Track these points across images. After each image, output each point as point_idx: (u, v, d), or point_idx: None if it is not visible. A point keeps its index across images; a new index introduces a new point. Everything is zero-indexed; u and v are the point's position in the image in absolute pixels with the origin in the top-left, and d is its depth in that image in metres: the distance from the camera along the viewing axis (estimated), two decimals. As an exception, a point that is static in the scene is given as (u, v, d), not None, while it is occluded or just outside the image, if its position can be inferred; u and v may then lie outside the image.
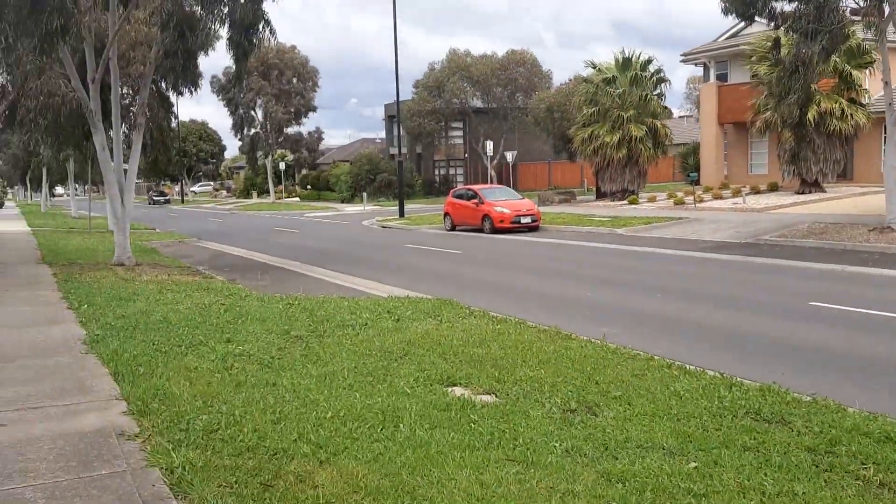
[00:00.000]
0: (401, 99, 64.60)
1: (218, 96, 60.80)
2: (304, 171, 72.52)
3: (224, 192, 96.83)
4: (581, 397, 6.14)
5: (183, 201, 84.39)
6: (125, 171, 16.48)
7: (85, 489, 3.95)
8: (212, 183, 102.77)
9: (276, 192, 67.43)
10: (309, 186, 69.48)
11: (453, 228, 28.80)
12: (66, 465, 4.32)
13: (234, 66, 17.10)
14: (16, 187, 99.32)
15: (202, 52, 16.09)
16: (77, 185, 52.86)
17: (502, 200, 27.46)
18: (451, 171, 64.09)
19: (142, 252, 19.77)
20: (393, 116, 69.33)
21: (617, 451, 4.96)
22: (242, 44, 16.37)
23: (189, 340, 8.04)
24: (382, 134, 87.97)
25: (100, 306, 10.31)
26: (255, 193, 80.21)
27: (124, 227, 16.07)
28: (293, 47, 61.63)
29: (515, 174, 60.81)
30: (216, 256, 21.69)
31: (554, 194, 42.26)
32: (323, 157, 71.68)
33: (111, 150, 15.91)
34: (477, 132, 58.18)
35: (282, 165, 59.89)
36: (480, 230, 27.05)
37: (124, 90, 18.93)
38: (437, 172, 64.91)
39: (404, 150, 69.04)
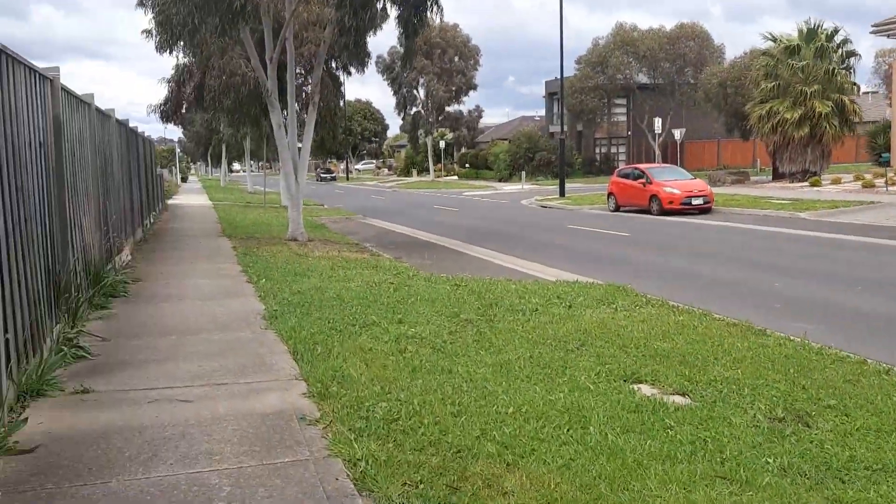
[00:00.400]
0: (566, 75, 63.67)
1: (382, 76, 62.26)
2: (462, 150, 73.02)
3: (386, 170, 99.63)
4: (788, 404, 5.46)
5: (348, 178, 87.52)
6: (299, 149, 16.95)
7: (269, 478, 3.83)
8: (374, 161, 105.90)
9: (435, 170, 68.35)
10: (467, 165, 69.91)
11: (617, 209, 27.84)
12: (250, 448, 4.24)
13: (401, 45, 17.12)
14: (198, 163, 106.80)
15: (371, 32, 16.17)
16: (252, 162, 55.84)
17: (672, 180, 26.18)
18: (613, 150, 62.33)
19: (312, 228, 20.38)
20: (553, 94, 68.38)
21: (842, 472, 4.31)
22: (412, 21, 16.34)
23: (362, 320, 7.98)
24: (541, 112, 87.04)
25: (276, 281, 10.55)
26: (414, 171, 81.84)
27: (298, 204, 16.56)
28: (455, 25, 61.89)
29: (682, 153, 58.25)
30: (381, 234, 22.05)
31: (725, 174, 39.96)
32: (481, 136, 71.75)
33: (286, 129, 16.39)
34: (641, 109, 56.12)
35: (441, 144, 60.50)
36: (647, 211, 25.96)
37: (297, 70, 19.41)
38: (597, 151, 63.33)
39: (565, 128, 68.03)
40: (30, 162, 5.82)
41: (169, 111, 16.37)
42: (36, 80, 6.27)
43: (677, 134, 42.70)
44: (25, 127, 5.74)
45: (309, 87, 21.68)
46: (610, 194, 28.54)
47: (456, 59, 61.10)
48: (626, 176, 28.29)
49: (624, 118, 61.70)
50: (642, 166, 28.48)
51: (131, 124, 16.61)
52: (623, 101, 59.96)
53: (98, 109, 10.47)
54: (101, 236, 10.01)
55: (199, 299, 9.29)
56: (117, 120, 13.29)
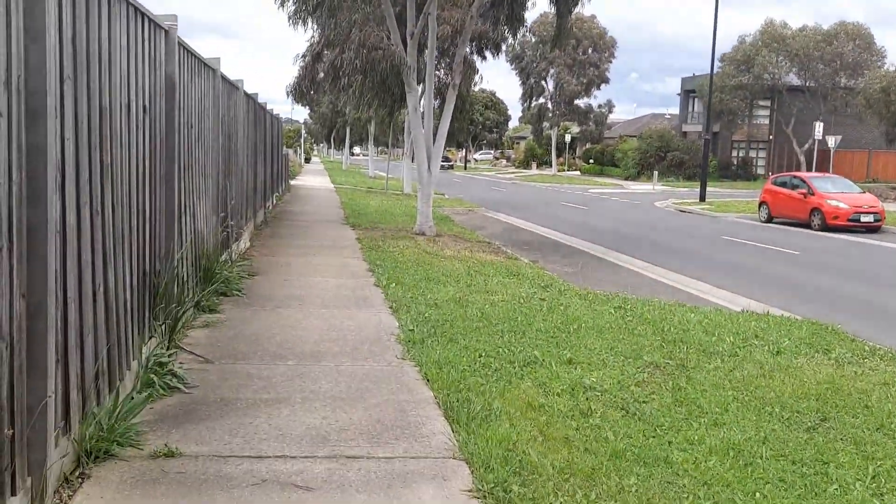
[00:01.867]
0: (702, 73, 59.89)
1: (511, 65, 60.42)
2: (586, 145, 70.33)
3: (504, 162, 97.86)
4: None
5: (465, 168, 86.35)
6: (433, 135, 15.48)
7: None
8: (492, 151, 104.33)
9: (557, 164, 66.10)
10: (591, 160, 67.22)
11: (770, 220, 25.10)
12: None
13: (532, 36, 15.31)
14: (321, 144, 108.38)
15: (525, 9, 14.48)
16: (371, 147, 55.43)
17: (837, 193, 23.24)
18: (752, 154, 58.26)
19: (437, 220, 18.92)
20: (690, 91, 64.69)
21: None
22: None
23: (520, 353, 6.33)
24: (673, 109, 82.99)
25: (408, 287, 9.06)
26: (534, 164, 79.70)
27: (428, 195, 15.11)
28: (592, 17, 59.19)
29: (827, 161, 53.70)
30: (509, 230, 20.39)
31: (886, 188, 36.05)
32: (608, 132, 68.81)
33: (422, 113, 14.94)
34: (787, 112, 51.98)
35: (567, 137, 58.20)
36: (806, 225, 23.16)
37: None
38: (734, 154, 59.37)
39: (699, 129, 64.23)
40: (125, 129, 4.45)
41: (303, 89, 15.23)
42: (144, 25, 4.91)
43: (831, 141, 38.85)
44: (122, 82, 4.35)
45: (443, 71, 20.25)
46: (762, 203, 25.79)
47: (590, 50, 58.47)
48: (782, 184, 25.45)
49: (766, 121, 57.52)
50: (804, 175, 25.56)
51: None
52: (766, 104, 55.83)
53: (224, 77, 9.24)
54: (218, 222, 8.78)
55: (322, 306, 7.88)
56: (246, 93, 12.15)
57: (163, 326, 5.34)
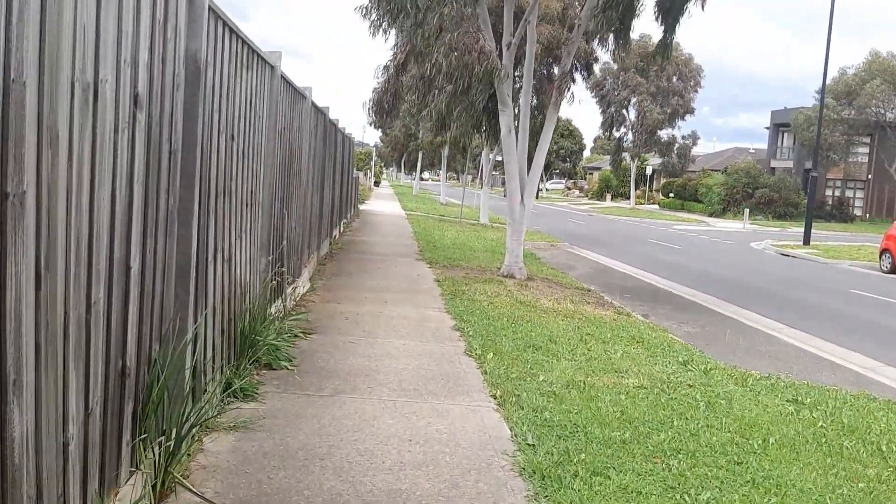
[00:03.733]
0: (794, 107, 56.37)
1: (591, 93, 58.01)
2: (664, 178, 67.20)
3: (576, 192, 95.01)
4: None
5: (537, 197, 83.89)
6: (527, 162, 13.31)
7: None
8: (563, 181, 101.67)
9: (635, 197, 63.24)
10: (671, 194, 64.06)
11: (894, 271, 22.06)
12: None
13: (659, 40, 13.06)
14: (391, 168, 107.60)
15: (636, 14, 12.24)
16: (444, 172, 53.65)
17: (984, 243, 20.14)
18: (848, 194, 54.34)
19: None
20: (780, 125, 61.09)
21: None
22: (675, 7, 12.33)
23: (695, 492, 4.06)
24: (758, 144, 79.15)
25: (509, 358, 6.88)
26: (608, 196, 76.76)
27: (520, 231, 12.90)
28: (677, 44, 56.43)
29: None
30: (601, 272, 18.02)
31: None
32: (692, 165, 65.58)
33: (517, 134, 12.80)
34: (891, 151, 48.12)
35: (649, 170, 55.38)
36: (944, 280, 20.14)
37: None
38: (828, 193, 55.49)
39: (789, 165, 60.55)
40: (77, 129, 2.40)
41: (384, 105, 13.25)
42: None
43: (950, 183, 35.22)
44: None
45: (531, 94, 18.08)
46: (885, 251, 22.77)
47: (674, 78, 55.68)
48: (910, 230, 22.42)
49: (865, 159, 53.61)
50: (939, 221, 22.45)
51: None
52: (866, 140, 51.98)
53: (286, 79, 7.28)
54: (269, 265, 6.76)
55: (399, 390, 5.74)
56: (314, 104, 10.23)
57: (155, 453, 3.26)
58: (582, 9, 12.59)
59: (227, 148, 4.94)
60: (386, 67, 13.23)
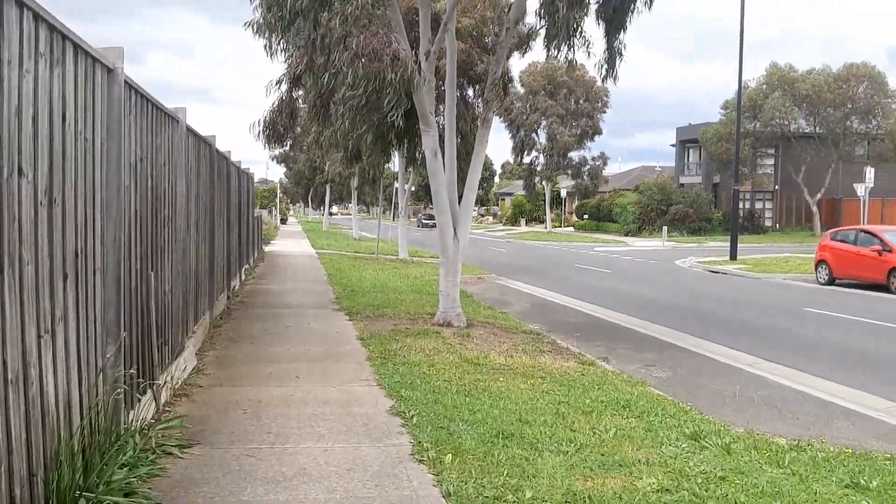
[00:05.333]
0: (699, 122, 56.96)
1: (500, 118, 57.10)
2: (576, 201, 66.97)
3: (490, 219, 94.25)
4: None
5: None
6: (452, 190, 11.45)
7: None
8: (476, 208, 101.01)
9: (550, 220, 62.63)
10: (585, 216, 63.76)
11: (832, 282, 21.27)
12: None
13: (604, 48, 11.50)
14: (298, 204, 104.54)
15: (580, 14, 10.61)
16: (346, 205, 51.50)
17: (921, 250, 19.47)
18: (758, 205, 54.99)
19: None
20: (686, 141, 61.67)
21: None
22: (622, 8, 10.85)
23: None
24: (663, 162, 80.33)
25: (478, 464, 4.93)
26: (523, 221, 76.06)
27: (455, 270, 10.98)
28: (582, 66, 56.31)
29: (839, 212, 50.48)
30: (540, 307, 16.31)
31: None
32: (604, 185, 65.50)
33: (443, 158, 10.93)
34: (797, 160, 48.81)
35: (563, 192, 54.64)
36: (884, 288, 19.33)
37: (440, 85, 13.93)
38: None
39: (698, 181, 61.09)
40: None
41: (279, 127, 11.13)
42: None
43: (860, 189, 35.46)
44: None
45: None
46: (820, 262, 21.99)
47: (582, 100, 55.38)
48: (845, 240, 21.71)
49: (771, 170, 54.46)
50: (874, 228, 21.81)
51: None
52: (771, 152, 52.79)
53: (134, 87, 5.16)
54: (120, 355, 4.61)
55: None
56: (192, 130, 8.11)
57: None
58: (509, 10, 10.89)
59: (6, 190, 2.85)
60: (279, 82, 11.16)
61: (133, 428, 4.71)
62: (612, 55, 11.13)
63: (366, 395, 6.73)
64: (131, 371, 4.88)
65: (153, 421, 5.35)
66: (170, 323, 6.69)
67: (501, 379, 7.53)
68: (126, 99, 4.90)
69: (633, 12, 10.99)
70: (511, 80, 22.88)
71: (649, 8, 10.70)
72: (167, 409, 5.93)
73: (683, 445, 5.63)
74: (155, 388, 5.66)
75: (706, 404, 7.76)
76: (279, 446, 5.17)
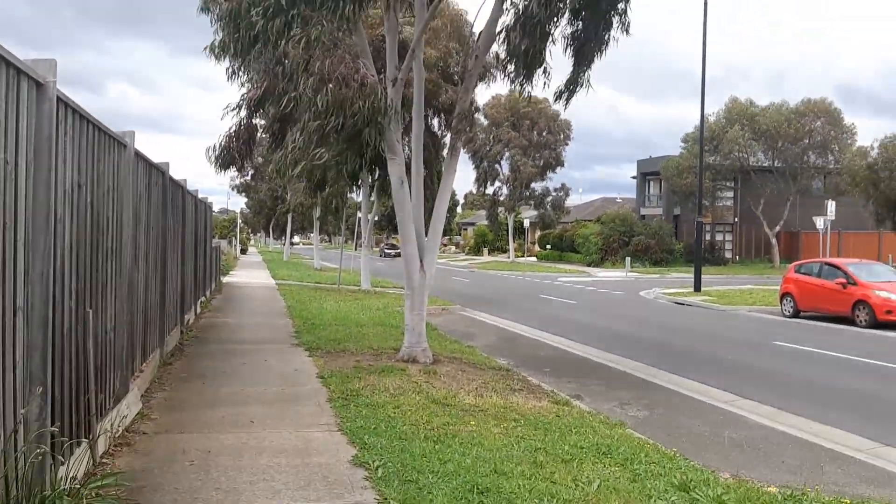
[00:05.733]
0: (659, 155, 57.58)
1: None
2: (539, 231, 67.07)
3: (452, 248, 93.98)
4: None
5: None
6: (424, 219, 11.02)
7: None
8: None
9: (514, 250, 62.53)
10: (548, 246, 63.82)
11: (796, 315, 21.24)
12: None
13: (569, 74, 11.25)
14: (259, 234, 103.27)
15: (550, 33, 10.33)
16: (307, 235, 50.77)
17: (884, 283, 19.50)
18: (718, 237, 55.53)
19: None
20: (647, 174, 62.25)
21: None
22: (592, 37, 10.64)
23: None
24: (624, 194, 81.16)
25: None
26: (485, 251, 75.94)
27: (422, 303, 10.51)
28: (545, 98, 56.62)
29: (797, 244, 51.22)
30: (507, 340, 15.90)
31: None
32: (566, 216, 65.73)
33: (410, 187, 10.51)
34: (756, 193, 49.50)
35: (526, 223, 54.62)
36: (849, 321, 19.29)
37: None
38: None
39: (658, 212, 61.59)
40: None
41: (233, 152, 10.57)
42: None
43: (819, 223, 35.88)
44: None
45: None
46: (785, 294, 21.95)
47: (545, 132, 55.64)
48: (809, 272, 21.72)
49: (731, 203, 55.13)
50: (839, 262, 21.84)
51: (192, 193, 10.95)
52: (730, 185, 53.50)
53: (68, 104, 4.64)
54: (46, 405, 4.04)
55: None
56: (142, 156, 7.58)
57: None
58: (478, 39, 10.58)
59: None
60: (238, 107, 10.65)
61: (62, 488, 4.13)
62: (574, 84, 10.90)
63: (326, 442, 6.19)
64: (58, 425, 4.31)
65: (86, 478, 4.77)
66: (111, 365, 6.11)
67: (472, 422, 7.05)
68: (61, 118, 4.39)
69: (603, 49, 10.78)
70: (477, 109, 22.62)
71: (617, 42, 10.49)
72: (105, 461, 5.34)
73: (673, 498, 5.20)
74: (91, 439, 5.07)
75: (687, 447, 7.37)
76: (228, 517, 4.62)
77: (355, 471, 5.41)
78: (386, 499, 4.77)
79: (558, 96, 10.82)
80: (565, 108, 11.49)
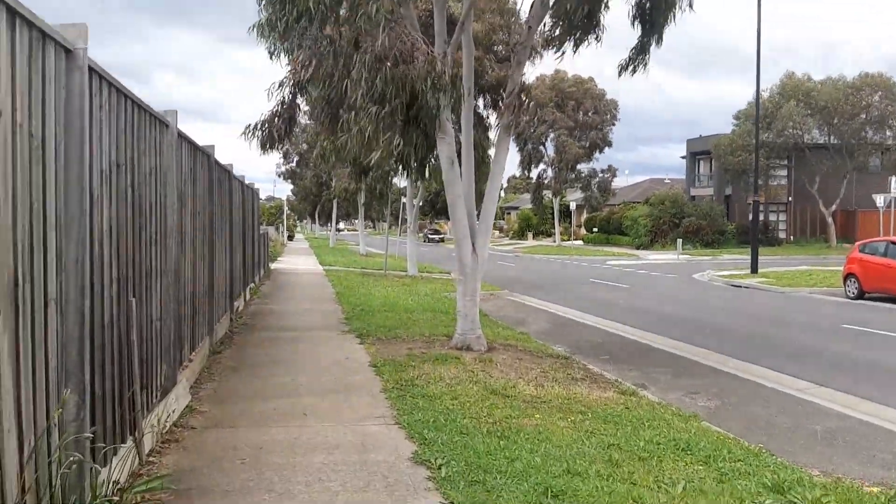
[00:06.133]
0: (709, 134, 56.06)
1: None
2: (585, 214, 66.05)
3: (496, 233, 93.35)
4: None
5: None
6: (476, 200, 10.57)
7: None
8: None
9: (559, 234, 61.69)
10: (594, 229, 62.80)
11: (861, 296, 20.29)
12: None
13: (635, 49, 10.62)
14: (305, 220, 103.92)
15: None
16: (362, 221, 50.60)
17: (958, 261, 18.48)
18: (772, 217, 53.94)
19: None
20: (697, 153, 60.71)
21: None
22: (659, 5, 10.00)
23: None
24: (672, 175, 79.52)
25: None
26: (530, 235, 75.07)
27: (474, 289, 10.07)
28: (591, 78, 55.57)
29: (854, 223, 49.45)
30: (561, 326, 15.38)
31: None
32: (613, 198, 64.60)
33: (460, 167, 10.05)
34: (811, 171, 47.85)
35: (572, 206, 53.68)
36: (924, 303, 18.36)
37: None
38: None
39: (709, 192, 60.05)
40: None
41: (273, 132, 10.20)
42: None
43: (880, 200, 34.42)
44: None
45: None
46: (849, 275, 21.00)
47: (591, 112, 54.57)
48: (875, 252, 20.71)
49: (784, 181, 53.48)
50: (910, 239, 20.80)
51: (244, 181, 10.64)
52: (784, 163, 51.84)
53: (106, 79, 4.28)
54: (85, 403, 3.71)
55: None
56: (186, 137, 7.26)
57: None
58: (531, 8, 10.01)
59: None
60: (281, 84, 10.26)
61: (103, 493, 3.80)
62: (643, 53, 10.29)
63: (384, 437, 5.81)
64: (98, 425, 3.98)
65: (131, 479, 4.45)
66: (158, 356, 5.80)
67: (537, 415, 6.61)
68: (95, 91, 4.03)
69: (671, 13, 10.13)
70: (523, 88, 22.05)
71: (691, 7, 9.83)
72: (152, 459, 5.03)
73: (768, 502, 4.69)
74: (136, 437, 4.75)
75: (768, 441, 6.83)
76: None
77: (416, 470, 5.02)
78: (453, 502, 4.36)
79: (623, 68, 10.22)
80: (632, 74, 10.67)
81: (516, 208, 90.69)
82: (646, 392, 8.61)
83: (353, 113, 8.18)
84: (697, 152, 59.46)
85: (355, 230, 78.59)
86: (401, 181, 32.01)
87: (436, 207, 76.99)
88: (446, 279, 25.11)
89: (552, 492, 4.58)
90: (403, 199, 31.54)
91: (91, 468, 3.71)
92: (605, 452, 5.54)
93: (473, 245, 10.06)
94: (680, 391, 9.24)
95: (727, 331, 14.65)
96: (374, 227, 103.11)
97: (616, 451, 5.58)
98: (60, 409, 3.38)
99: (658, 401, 8.00)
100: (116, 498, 3.86)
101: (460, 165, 10.12)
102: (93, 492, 3.69)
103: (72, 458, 3.33)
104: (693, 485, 4.92)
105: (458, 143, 10.78)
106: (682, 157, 64.23)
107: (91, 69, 3.84)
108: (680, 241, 43.90)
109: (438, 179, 30.70)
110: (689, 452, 5.72)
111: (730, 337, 13.77)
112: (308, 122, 26.89)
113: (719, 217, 51.17)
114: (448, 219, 77.63)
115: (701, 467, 5.37)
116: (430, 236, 79.60)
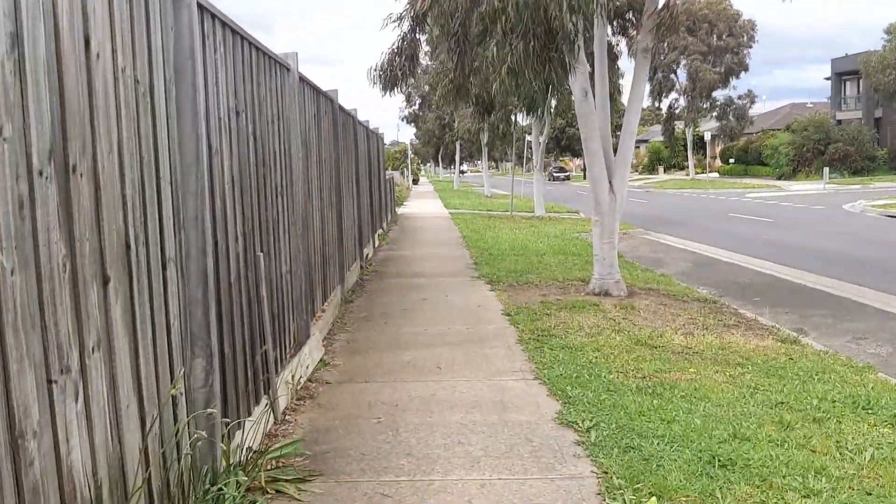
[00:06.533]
0: (856, 52, 51.39)
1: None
2: (720, 144, 62.59)
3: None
4: None
5: (585, 177, 79.92)
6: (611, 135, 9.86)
7: None
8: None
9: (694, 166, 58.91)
10: (731, 160, 59.52)
11: None
12: None
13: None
14: (428, 163, 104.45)
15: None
16: (477, 162, 50.06)
17: None
18: (931, 141, 49.14)
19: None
20: (843, 74, 55.94)
21: None
22: None
23: None
24: (815, 99, 73.94)
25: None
26: (661, 169, 72.20)
27: (612, 230, 9.46)
28: (725, -2, 51.92)
29: None
30: (702, 266, 14.45)
31: None
32: (750, 127, 60.83)
33: (594, 98, 9.34)
34: (980, 86, 42.96)
35: (706, 136, 50.95)
36: None
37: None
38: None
39: (857, 116, 55.32)
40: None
41: (396, 71, 9.81)
42: None
43: None
44: None
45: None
46: None
47: (725, 35, 51.17)
48: None
49: (947, 100, 48.40)
50: None
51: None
52: (946, 79, 46.82)
53: (217, 17, 3.97)
54: (213, 367, 3.50)
55: None
56: (307, 80, 6.98)
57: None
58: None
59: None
60: (399, 18, 9.80)
61: (235, 461, 3.62)
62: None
63: (523, 393, 5.43)
64: (230, 389, 3.78)
65: (266, 441, 4.28)
66: (289, 310, 5.63)
67: (691, 368, 6.03)
68: (207, 32, 3.73)
69: None
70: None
71: None
72: (288, 418, 4.87)
73: None
74: (270, 397, 4.58)
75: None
76: (421, 478, 3.96)
77: (563, 432, 4.61)
78: (607, 472, 3.93)
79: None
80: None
81: (646, 141, 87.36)
82: (807, 339, 7.80)
83: (493, 46, 7.57)
84: (843, 73, 54.83)
85: (479, 171, 78.14)
86: (525, 119, 31.22)
87: (560, 144, 75.29)
88: (576, 219, 24.35)
89: (720, 461, 4.05)
90: (528, 137, 30.75)
91: (221, 434, 3.52)
92: (774, 412, 4.93)
93: (610, 183, 9.39)
94: (845, 336, 8.37)
95: (889, 268, 13.30)
96: (497, 167, 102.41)
97: (786, 411, 4.95)
98: (187, 377, 3.16)
99: (823, 349, 7.20)
100: (250, 465, 3.67)
101: (594, 97, 9.41)
102: (226, 459, 3.51)
103: (200, 431, 3.12)
104: (882, 452, 4.26)
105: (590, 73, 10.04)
106: (826, 79, 59.47)
107: (200, 6, 3.53)
108: (826, 169, 40.82)
109: (565, 114, 29.42)
110: (870, 411, 5.02)
111: (894, 275, 12.49)
112: (429, 62, 26.41)
113: (869, 142, 47.19)
114: (573, 155, 75.46)
115: (888, 430, 4.67)
116: (554, 174, 78.06)
